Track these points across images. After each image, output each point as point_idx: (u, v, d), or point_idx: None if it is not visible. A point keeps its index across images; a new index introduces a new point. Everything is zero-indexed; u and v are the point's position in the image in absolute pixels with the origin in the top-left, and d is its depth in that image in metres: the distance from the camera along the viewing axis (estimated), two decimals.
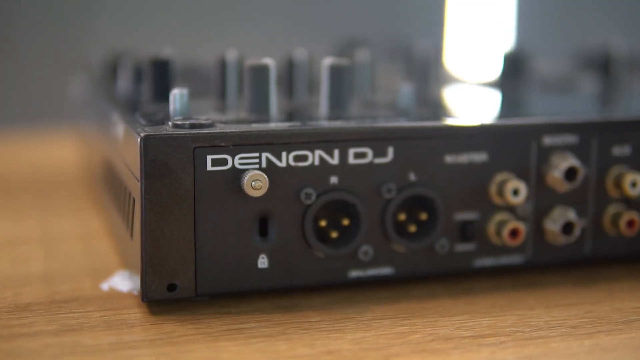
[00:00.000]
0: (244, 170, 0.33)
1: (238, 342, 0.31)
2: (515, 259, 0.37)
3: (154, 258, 0.33)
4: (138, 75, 0.45)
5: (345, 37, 0.60)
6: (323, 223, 0.35)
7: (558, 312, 0.34)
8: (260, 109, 0.37)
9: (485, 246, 0.37)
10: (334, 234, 0.35)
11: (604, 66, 0.53)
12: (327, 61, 0.38)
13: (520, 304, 0.35)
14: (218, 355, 0.30)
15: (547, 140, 0.37)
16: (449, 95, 0.47)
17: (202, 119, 0.34)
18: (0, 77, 0.88)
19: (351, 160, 0.34)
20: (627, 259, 0.39)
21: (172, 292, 0.33)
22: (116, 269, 0.38)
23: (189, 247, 0.33)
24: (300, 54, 0.43)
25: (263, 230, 0.34)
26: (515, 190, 0.36)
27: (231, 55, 0.41)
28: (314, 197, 0.34)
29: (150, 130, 0.33)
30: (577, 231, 0.37)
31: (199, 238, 0.33)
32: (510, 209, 0.37)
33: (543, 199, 0.37)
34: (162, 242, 0.33)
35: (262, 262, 0.34)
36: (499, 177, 0.36)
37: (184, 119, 0.34)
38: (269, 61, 0.37)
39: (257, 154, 0.33)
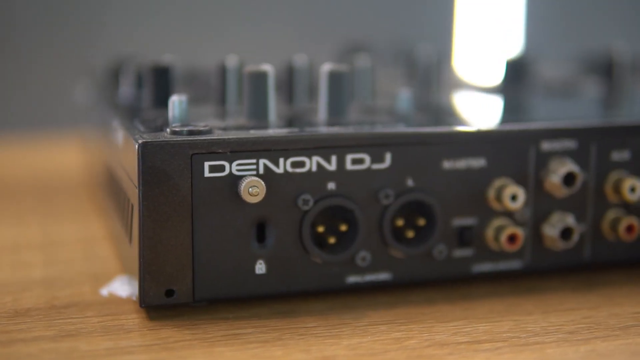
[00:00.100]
0: (242, 177, 0.33)
1: (234, 348, 0.31)
2: (514, 265, 0.37)
3: (151, 264, 0.33)
4: (140, 81, 0.45)
5: (348, 41, 0.60)
6: (321, 229, 0.35)
7: (555, 318, 0.34)
8: (259, 115, 0.37)
9: (483, 252, 0.37)
10: (332, 240, 0.35)
11: (607, 70, 0.53)
12: (326, 67, 0.38)
13: (517, 310, 0.35)
14: None
15: (546, 145, 0.37)
16: (451, 101, 0.47)
17: (200, 125, 0.34)
18: (5, 81, 0.88)
19: (349, 166, 0.35)
20: (627, 264, 0.39)
21: (170, 298, 0.33)
22: (116, 275, 0.38)
23: (187, 253, 0.33)
24: (300, 59, 0.43)
25: (261, 236, 0.34)
26: (513, 195, 0.36)
27: (231, 61, 0.42)
28: (311, 203, 0.34)
29: (148, 137, 0.33)
30: (575, 236, 0.37)
31: (197, 244, 0.33)
32: (509, 214, 0.37)
33: (542, 204, 0.37)
34: (160, 248, 0.33)
35: (260, 267, 0.34)
36: (497, 183, 0.36)
37: (182, 125, 0.34)
38: (267, 67, 0.37)
39: (254, 161, 0.33)
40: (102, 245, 0.43)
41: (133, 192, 0.34)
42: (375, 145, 0.35)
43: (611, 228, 0.38)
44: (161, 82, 0.41)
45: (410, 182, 0.35)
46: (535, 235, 0.37)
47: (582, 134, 0.37)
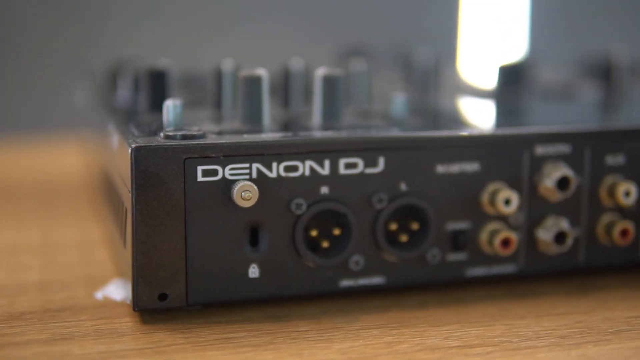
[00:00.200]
0: (235, 181, 0.33)
1: (226, 352, 0.31)
2: (508, 269, 0.37)
3: (145, 268, 0.33)
4: (137, 85, 0.45)
5: (347, 45, 0.60)
6: (314, 233, 0.35)
7: (548, 322, 0.34)
8: (253, 119, 0.37)
9: (477, 256, 0.37)
10: (325, 244, 0.35)
11: (605, 74, 0.53)
12: (321, 71, 0.38)
13: (510, 314, 0.35)
14: None
15: (540, 149, 0.37)
16: (448, 105, 0.47)
17: (194, 129, 0.34)
18: (5, 83, 0.88)
19: (342, 170, 0.35)
20: (621, 268, 0.39)
21: (163, 302, 0.33)
22: (112, 278, 0.38)
23: (180, 257, 0.33)
24: (296, 63, 0.43)
25: (254, 240, 0.34)
26: (507, 199, 0.36)
27: (227, 65, 0.42)
28: (304, 208, 0.34)
29: (141, 141, 0.33)
30: (569, 241, 0.37)
31: (190, 248, 0.33)
32: (503, 218, 0.37)
33: (536, 208, 0.37)
34: (153, 252, 0.33)
35: (253, 271, 0.34)
36: (491, 187, 0.36)
37: (176, 129, 0.34)
38: (262, 72, 0.37)
39: (247, 165, 0.34)
40: (99, 248, 0.43)
41: (127, 196, 0.34)
42: (368, 149, 0.35)
43: (606, 232, 0.38)
44: (157, 86, 0.41)
45: (403, 187, 0.35)
46: (530, 240, 0.37)
47: (576, 138, 0.37)
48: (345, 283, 0.35)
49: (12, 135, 0.73)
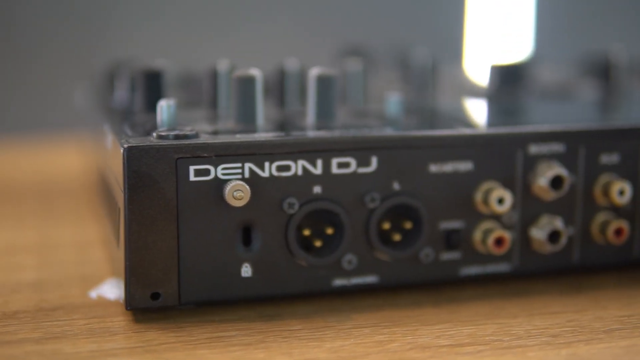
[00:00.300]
0: (227, 181, 0.33)
1: (216, 351, 0.31)
2: (502, 268, 0.37)
3: (137, 267, 0.33)
4: (134, 85, 0.45)
5: (346, 45, 0.60)
6: (307, 232, 0.35)
7: (540, 321, 0.34)
8: (247, 119, 0.37)
9: (471, 255, 0.37)
10: (318, 243, 0.35)
11: (604, 73, 0.53)
12: (315, 71, 0.38)
13: (503, 313, 0.35)
14: None
15: (534, 148, 0.37)
16: (445, 104, 0.47)
17: (187, 129, 0.34)
18: (5, 83, 0.89)
19: (334, 170, 0.35)
20: (616, 267, 0.39)
21: (155, 301, 0.34)
22: (107, 277, 0.38)
23: (173, 257, 0.34)
24: (291, 63, 0.43)
25: (247, 240, 0.34)
26: (500, 199, 0.36)
27: (222, 65, 0.42)
28: (297, 207, 0.34)
29: (134, 141, 0.33)
30: (563, 240, 0.37)
31: (183, 247, 0.34)
32: (496, 217, 0.37)
33: (529, 207, 0.37)
34: (146, 251, 0.33)
35: (246, 271, 0.34)
36: (484, 186, 0.36)
37: (169, 129, 0.34)
38: (255, 72, 0.37)
39: (239, 165, 0.34)
40: (96, 248, 0.43)
41: (120, 196, 0.34)
42: (360, 149, 0.35)
43: (600, 231, 0.38)
44: (153, 87, 0.41)
45: (396, 186, 0.35)
46: (523, 239, 0.37)
47: (570, 137, 0.37)
48: (338, 282, 0.35)
49: (13, 136, 0.74)
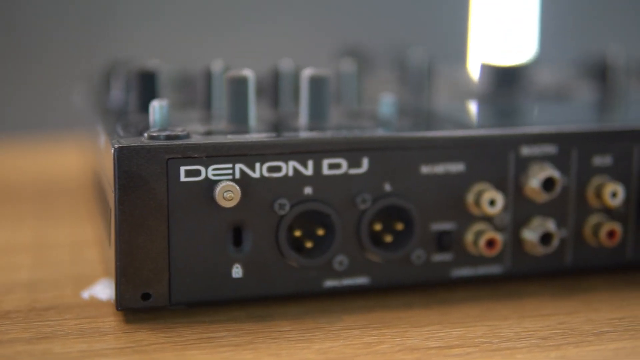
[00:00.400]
0: (218, 181, 0.34)
1: (206, 351, 0.31)
2: (494, 269, 0.37)
3: (128, 267, 0.33)
4: (129, 85, 0.45)
5: (343, 45, 0.60)
6: (298, 233, 0.35)
7: (531, 323, 0.34)
8: (239, 119, 0.37)
9: (462, 256, 0.37)
10: (309, 244, 0.35)
11: (602, 74, 0.53)
12: (307, 72, 0.38)
13: (493, 315, 0.35)
14: None
15: (525, 150, 0.37)
16: (440, 105, 0.47)
17: (178, 130, 0.34)
18: (4, 83, 0.89)
19: (325, 171, 0.35)
20: (608, 269, 0.39)
21: (146, 301, 0.34)
22: (100, 278, 0.39)
23: (163, 257, 0.34)
24: (286, 64, 0.43)
25: (237, 240, 0.35)
26: (491, 200, 0.36)
27: (216, 66, 0.42)
28: (287, 208, 0.34)
29: (125, 142, 0.33)
30: (555, 242, 0.37)
31: (173, 248, 0.34)
32: (488, 219, 0.37)
33: (521, 209, 0.37)
34: (136, 252, 0.33)
35: (237, 271, 0.34)
36: (476, 188, 0.36)
37: (160, 130, 0.34)
38: (248, 73, 0.37)
39: (230, 165, 0.34)
40: (91, 248, 0.44)
41: (111, 196, 0.34)
42: (352, 150, 0.35)
43: (593, 233, 0.38)
44: (147, 87, 0.41)
45: (387, 187, 0.35)
46: (515, 240, 0.37)
47: (562, 139, 0.37)
48: (329, 283, 0.36)
49: (12, 136, 0.74)
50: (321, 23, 0.96)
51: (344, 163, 0.35)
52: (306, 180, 0.35)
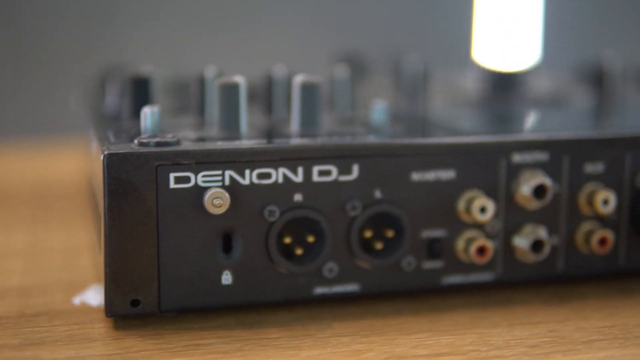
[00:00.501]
0: (207, 188, 0.34)
1: (194, 358, 0.31)
2: (485, 277, 0.37)
3: (117, 274, 0.33)
4: (123, 91, 0.45)
5: (340, 51, 0.60)
6: (288, 240, 0.35)
7: (520, 331, 0.34)
8: (230, 126, 0.37)
9: (453, 263, 0.37)
10: (299, 251, 0.35)
11: (598, 80, 0.53)
12: (299, 78, 0.38)
13: (484, 322, 0.35)
14: None
15: (517, 157, 0.37)
16: (435, 112, 0.47)
17: (169, 136, 0.34)
18: (2, 88, 0.89)
19: (315, 177, 0.35)
20: (600, 277, 0.39)
21: (135, 308, 0.34)
22: (92, 284, 0.39)
23: (153, 264, 0.34)
24: (279, 70, 0.43)
25: (227, 247, 0.35)
26: (482, 207, 0.36)
27: (210, 72, 0.42)
28: (277, 215, 0.34)
29: (115, 148, 0.33)
30: (546, 249, 0.37)
31: (163, 254, 0.34)
32: (479, 226, 0.37)
33: (513, 216, 0.37)
34: (126, 258, 0.33)
35: (226, 278, 0.34)
36: (467, 195, 0.36)
37: (151, 136, 0.34)
38: (239, 79, 0.37)
39: (220, 172, 0.34)
40: (84, 254, 0.44)
41: (101, 202, 0.34)
42: (342, 156, 0.35)
43: (584, 241, 0.38)
44: (140, 93, 0.41)
45: (378, 194, 0.35)
46: (507, 248, 0.37)
47: (554, 146, 0.37)
48: (320, 290, 0.36)
49: (8, 140, 0.74)
50: (317, 29, 0.96)
51: (334, 170, 0.35)
52: (296, 187, 0.35)
